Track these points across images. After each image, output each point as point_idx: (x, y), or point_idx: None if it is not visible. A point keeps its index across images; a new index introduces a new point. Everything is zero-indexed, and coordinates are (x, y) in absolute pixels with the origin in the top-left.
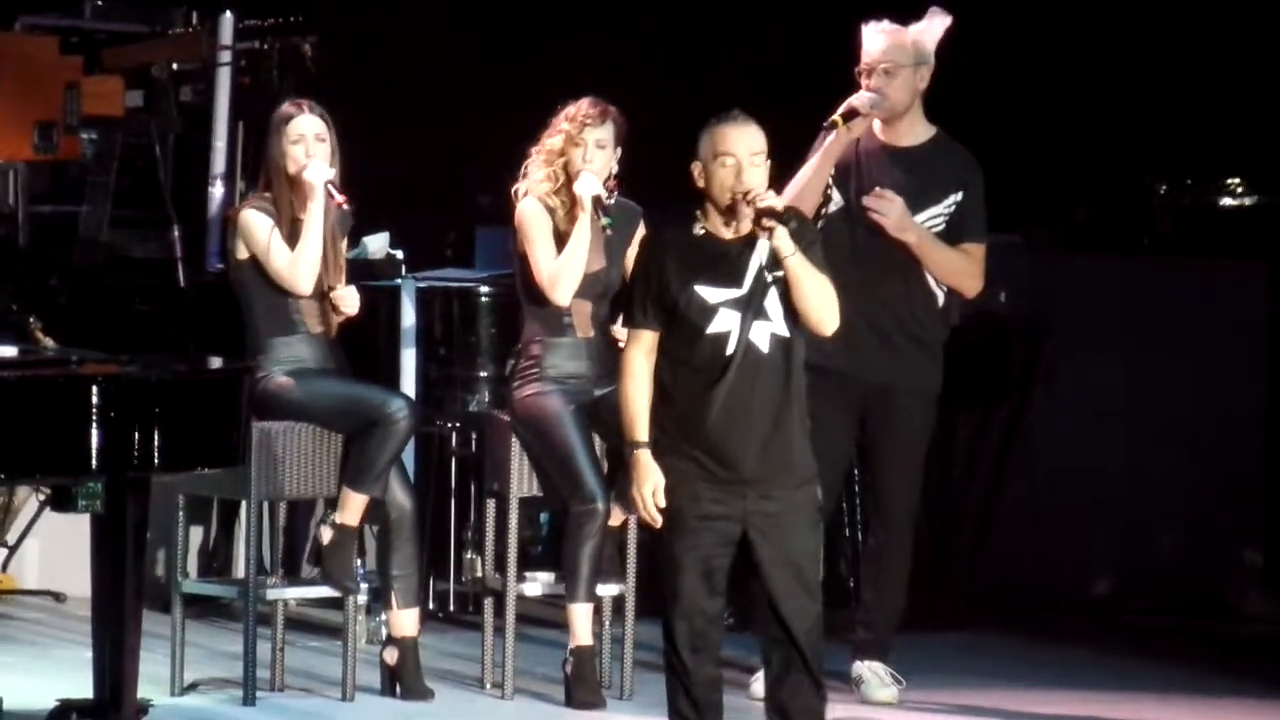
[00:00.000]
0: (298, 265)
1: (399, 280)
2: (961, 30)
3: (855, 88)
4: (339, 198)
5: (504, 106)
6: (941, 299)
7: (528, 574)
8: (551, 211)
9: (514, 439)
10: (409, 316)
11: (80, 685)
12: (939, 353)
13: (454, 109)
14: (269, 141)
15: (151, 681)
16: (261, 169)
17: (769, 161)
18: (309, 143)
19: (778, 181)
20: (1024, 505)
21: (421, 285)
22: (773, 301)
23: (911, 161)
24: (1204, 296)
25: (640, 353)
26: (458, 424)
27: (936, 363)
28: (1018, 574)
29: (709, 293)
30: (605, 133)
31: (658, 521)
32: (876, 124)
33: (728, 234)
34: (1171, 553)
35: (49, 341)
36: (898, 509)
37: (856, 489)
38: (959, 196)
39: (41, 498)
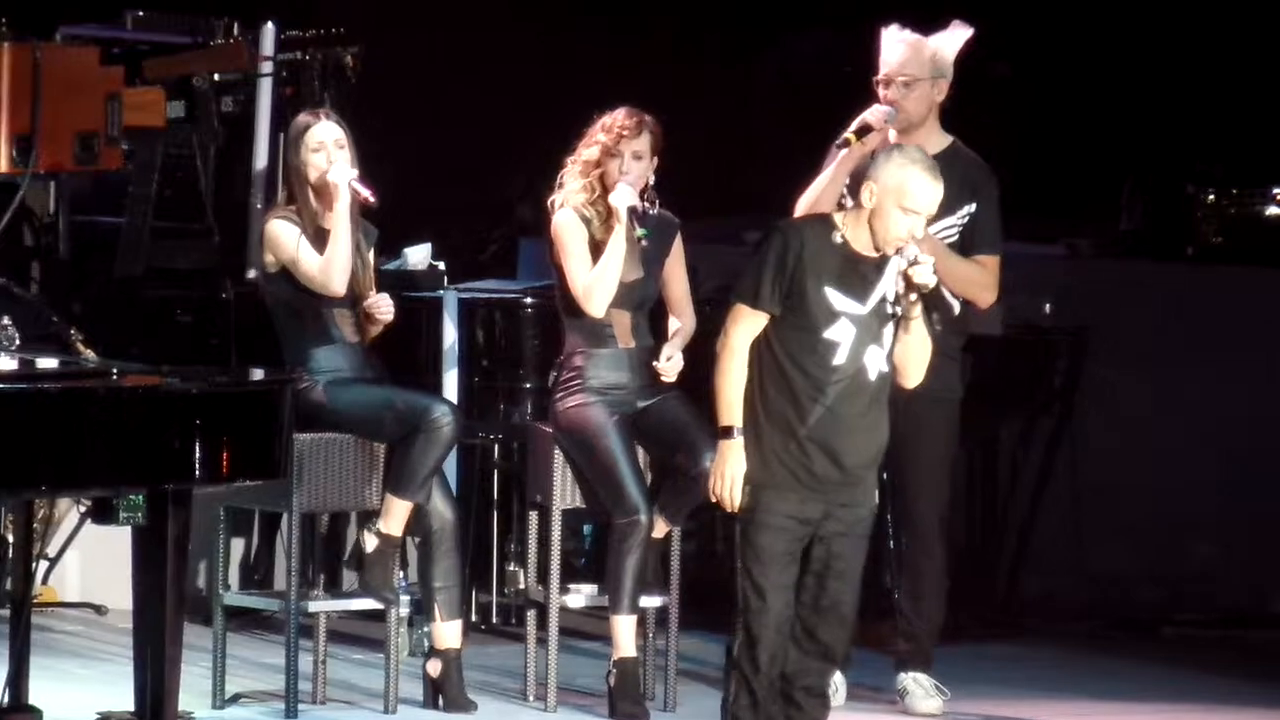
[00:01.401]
0: (329, 267)
1: (441, 292)
2: (1004, 41)
3: (875, 98)
4: (365, 192)
5: (545, 117)
6: (957, 308)
7: (570, 586)
8: (588, 221)
9: (557, 450)
10: (451, 328)
11: (121, 698)
12: (958, 359)
13: (495, 120)
14: (288, 152)
15: (193, 694)
16: (282, 180)
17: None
18: (329, 149)
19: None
20: (1067, 515)
21: (463, 297)
22: (889, 333)
23: None
24: (1248, 306)
25: (749, 333)
26: (500, 435)
27: (956, 369)
28: (1061, 585)
29: (835, 298)
30: (642, 144)
31: (736, 506)
32: (892, 134)
33: (865, 250)
34: (1216, 562)
35: (90, 353)
36: (929, 518)
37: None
38: (972, 207)
39: (82, 510)
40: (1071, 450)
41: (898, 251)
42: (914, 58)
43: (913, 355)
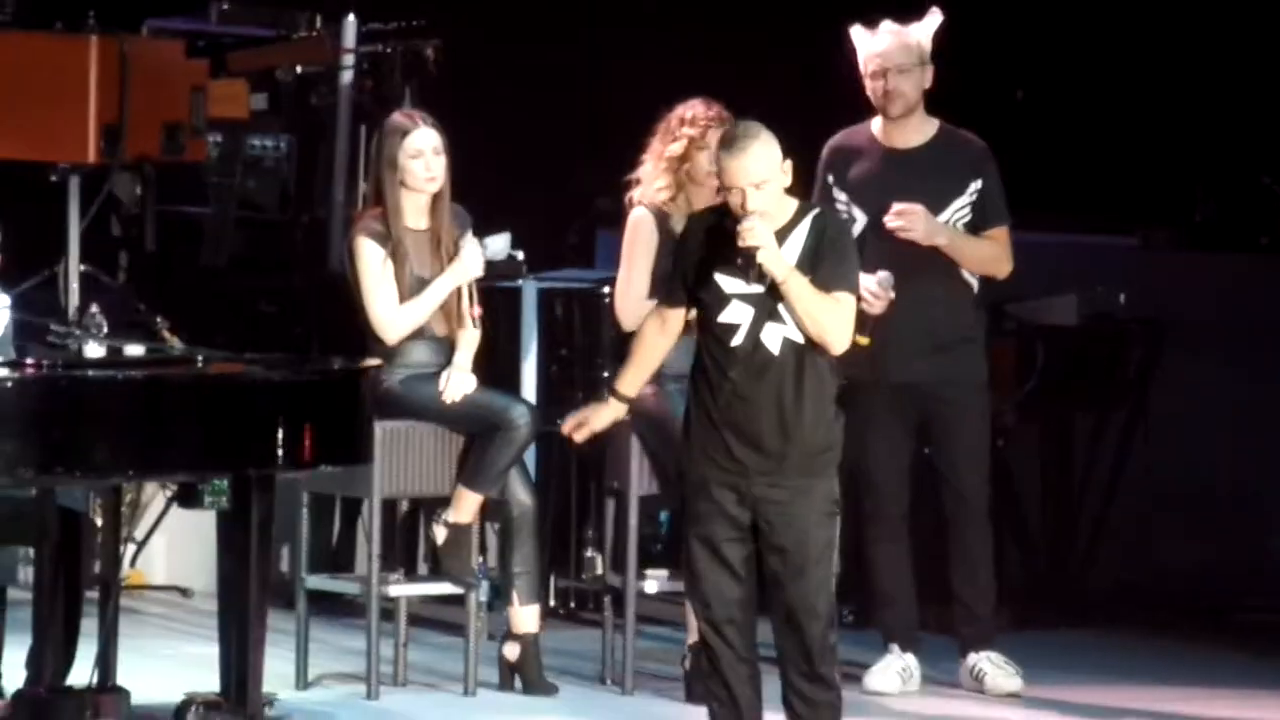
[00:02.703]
0: (399, 321)
1: (520, 281)
2: (1076, 32)
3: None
4: (476, 309)
5: (624, 107)
6: (976, 287)
7: (647, 571)
8: (666, 218)
9: (634, 437)
10: (530, 317)
11: (206, 679)
12: (983, 342)
13: (574, 109)
14: (381, 152)
15: (276, 677)
16: (371, 178)
17: (787, 163)
18: (428, 157)
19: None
20: (1141, 506)
21: (542, 286)
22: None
23: (925, 161)
24: None
25: (655, 321)
26: None
27: (983, 352)
28: (1135, 574)
29: (726, 282)
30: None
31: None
32: (877, 128)
33: None
34: None
35: (175, 341)
36: (976, 503)
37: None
38: (979, 183)
39: (169, 494)
40: (1145, 440)
41: (739, 235)
42: (903, 47)
43: (803, 317)
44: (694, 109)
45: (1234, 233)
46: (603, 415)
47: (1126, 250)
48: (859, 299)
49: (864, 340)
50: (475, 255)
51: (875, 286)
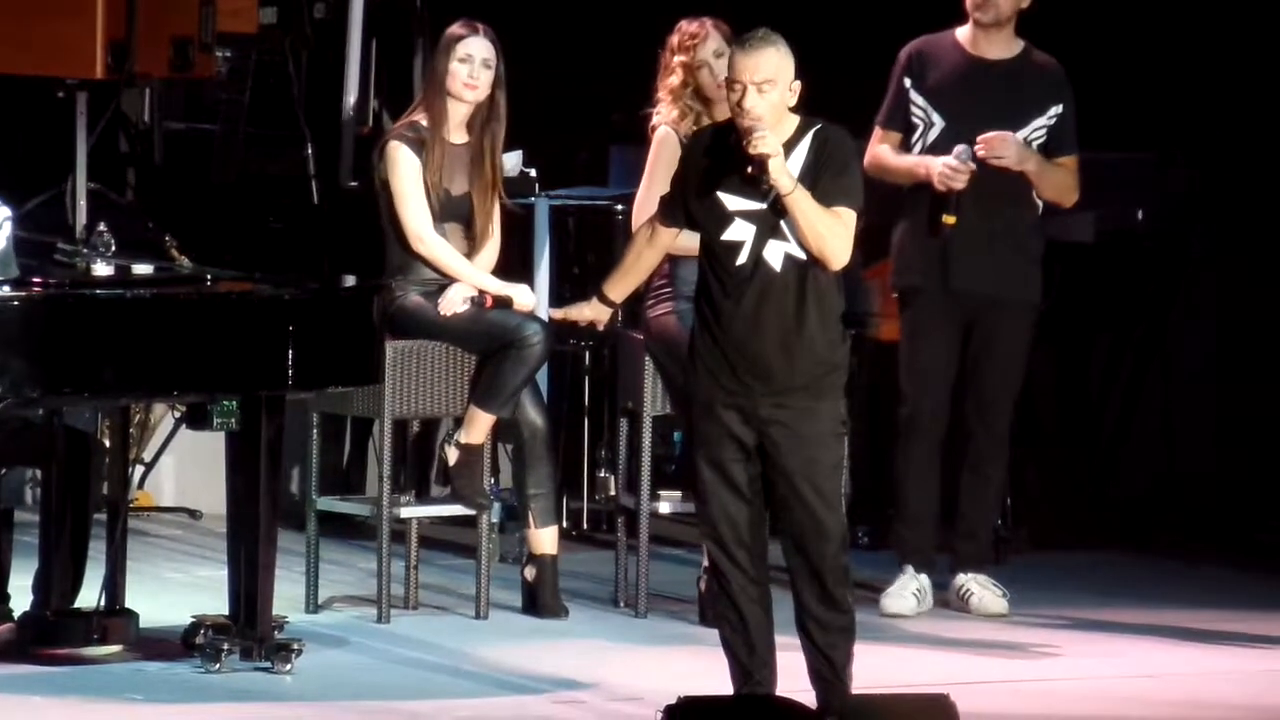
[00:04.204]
0: (429, 239)
1: (532, 199)
2: None
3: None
4: (488, 299)
5: (638, 23)
6: (1040, 209)
7: (661, 492)
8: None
9: (647, 357)
10: (542, 235)
11: (215, 602)
12: (1041, 267)
13: (589, 25)
14: (435, 57)
15: (286, 599)
16: (422, 84)
17: (797, 83)
18: (475, 65)
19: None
20: (1159, 422)
21: (554, 203)
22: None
23: (1008, 76)
24: None
25: (646, 232)
26: (591, 342)
27: (1040, 278)
28: (1151, 493)
29: (729, 200)
30: (716, 42)
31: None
32: (964, 36)
33: None
34: None
35: (184, 260)
36: (1002, 422)
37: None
38: (1059, 108)
39: (177, 415)
40: (1163, 359)
41: (744, 137)
42: None
43: (806, 231)
44: (679, 33)
45: (1255, 149)
46: (584, 311)
47: (1145, 166)
48: (861, 215)
49: (950, 219)
50: (528, 298)
51: (954, 160)
